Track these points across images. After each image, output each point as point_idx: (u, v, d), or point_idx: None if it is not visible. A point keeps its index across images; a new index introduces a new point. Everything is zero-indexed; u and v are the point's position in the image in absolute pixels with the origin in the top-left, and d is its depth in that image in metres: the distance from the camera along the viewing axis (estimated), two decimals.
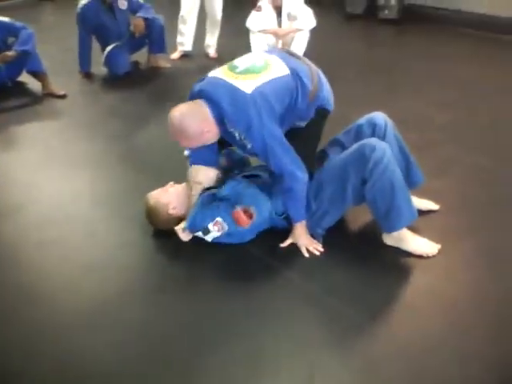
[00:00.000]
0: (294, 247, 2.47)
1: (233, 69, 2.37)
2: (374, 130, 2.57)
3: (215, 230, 2.41)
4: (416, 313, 2.10)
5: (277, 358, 1.91)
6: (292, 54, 2.58)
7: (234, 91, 2.28)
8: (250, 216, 2.38)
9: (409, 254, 2.38)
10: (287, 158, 2.33)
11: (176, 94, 4.40)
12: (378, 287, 2.24)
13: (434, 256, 2.37)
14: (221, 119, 2.30)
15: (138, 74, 5.14)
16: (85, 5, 4.78)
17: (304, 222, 2.46)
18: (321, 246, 2.46)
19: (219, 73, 2.39)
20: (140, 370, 1.89)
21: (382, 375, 1.83)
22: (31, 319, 2.13)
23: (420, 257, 2.36)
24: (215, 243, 2.46)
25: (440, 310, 2.12)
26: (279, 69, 2.37)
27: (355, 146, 2.38)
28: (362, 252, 2.46)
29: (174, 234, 2.51)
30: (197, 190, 2.55)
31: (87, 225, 2.74)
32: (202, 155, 2.58)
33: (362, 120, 2.64)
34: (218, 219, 2.40)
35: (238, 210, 2.38)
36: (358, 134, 2.59)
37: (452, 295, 2.20)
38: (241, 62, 2.43)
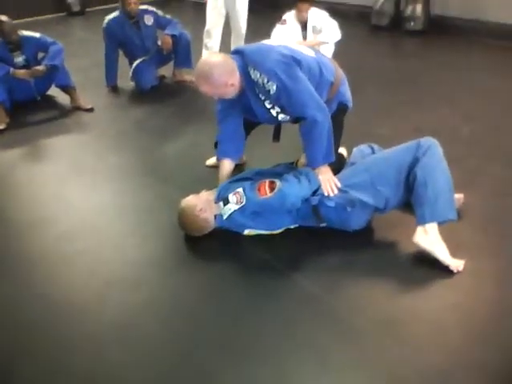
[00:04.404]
0: (317, 259, 2.46)
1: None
2: (373, 149, 2.80)
3: (233, 202, 2.48)
4: (440, 329, 2.05)
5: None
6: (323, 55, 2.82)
7: (259, 43, 2.61)
8: (273, 189, 2.43)
9: (431, 267, 2.33)
10: (308, 101, 2.42)
11: (201, 108, 4.45)
12: (400, 303, 2.20)
13: (459, 272, 2.30)
14: (244, 68, 2.46)
15: (164, 88, 5.20)
16: (110, 19, 4.89)
17: (325, 166, 2.54)
18: (338, 185, 2.49)
19: None
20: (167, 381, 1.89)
21: None
22: (58, 331, 2.14)
23: (445, 269, 2.30)
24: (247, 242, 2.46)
25: (464, 326, 2.08)
26: (306, 50, 2.61)
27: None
28: (384, 265, 2.42)
29: (202, 247, 2.57)
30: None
31: (114, 237, 2.77)
32: (228, 150, 2.87)
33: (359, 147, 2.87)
34: (239, 190, 2.49)
35: (266, 181, 2.48)
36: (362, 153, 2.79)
37: (478, 313, 2.15)
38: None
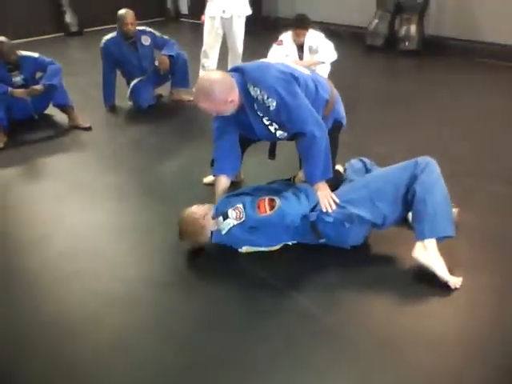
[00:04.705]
0: (315, 276, 2.47)
1: None
2: (365, 163, 2.86)
3: (233, 217, 2.49)
4: (439, 346, 2.05)
5: None
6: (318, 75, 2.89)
7: (258, 61, 2.67)
8: (273, 207, 2.45)
9: (430, 284, 2.34)
10: (308, 117, 2.47)
11: (198, 127, 4.48)
12: (399, 320, 2.20)
13: (456, 289, 2.31)
14: (244, 85, 2.49)
15: (161, 107, 5.23)
16: (108, 40, 4.93)
17: (322, 182, 2.57)
18: (336, 201, 2.52)
19: None
20: None
21: None
22: (54, 348, 2.13)
23: (444, 285, 2.31)
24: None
25: (463, 343, 2.09)
26: (303, 69, 2.67)
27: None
28: (383, 281, 2.43)
29: (199, 265, 2.56)
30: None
31: (110, 257, 2.75)
32: (224, 167, 2.87)
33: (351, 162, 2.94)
34: (239, 205, 2.50)
35: (265, 198, 2.49)
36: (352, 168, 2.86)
37: (476, 329, 2.15)
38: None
